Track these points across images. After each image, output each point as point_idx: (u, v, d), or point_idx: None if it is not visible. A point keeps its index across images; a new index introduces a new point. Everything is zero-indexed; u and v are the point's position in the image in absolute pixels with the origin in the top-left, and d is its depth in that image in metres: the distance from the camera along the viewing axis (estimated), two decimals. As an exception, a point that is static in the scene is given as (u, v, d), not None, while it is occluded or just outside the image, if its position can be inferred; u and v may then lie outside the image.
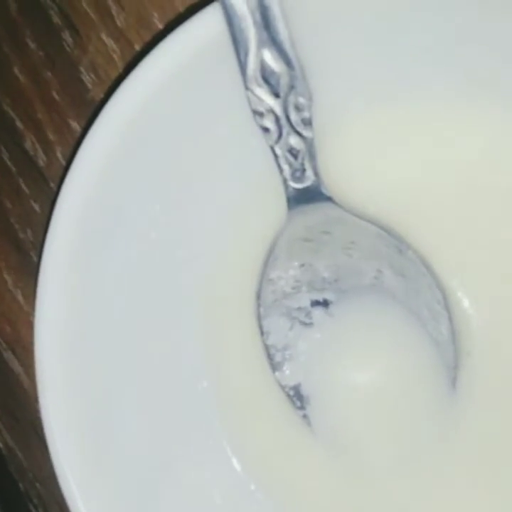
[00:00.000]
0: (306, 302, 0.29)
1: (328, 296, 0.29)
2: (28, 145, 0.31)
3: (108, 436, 0.28)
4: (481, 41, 0.26)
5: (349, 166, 0.28)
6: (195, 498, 0.29)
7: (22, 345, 0.32)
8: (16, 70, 0.31)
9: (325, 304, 0.29)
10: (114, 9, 0.31)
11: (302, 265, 0.29)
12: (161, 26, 0.31)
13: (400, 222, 0.28)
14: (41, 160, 0.31)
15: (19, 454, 0.32)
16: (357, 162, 0.28)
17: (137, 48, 0.31)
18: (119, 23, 0.31)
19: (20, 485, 0.32)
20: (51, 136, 0.31)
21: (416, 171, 0.28)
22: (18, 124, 0.31)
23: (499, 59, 0.27)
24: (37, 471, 0.32)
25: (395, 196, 0.28)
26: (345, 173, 0.28)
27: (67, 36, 0.31)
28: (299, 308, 0.29)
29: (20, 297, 0.32)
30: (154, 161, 0.28)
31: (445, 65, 0.27)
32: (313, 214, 0.28)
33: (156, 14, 0.31)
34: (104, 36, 0.31)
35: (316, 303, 0.29)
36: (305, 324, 0.29)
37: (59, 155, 0.31)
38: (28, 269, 0.31)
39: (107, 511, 0.28)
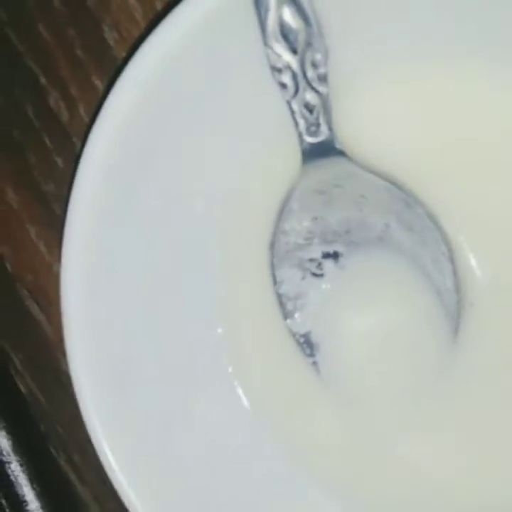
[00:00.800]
0: (317, 254, 0.30)
1: (338, 248, 0.30)
2: (51, 101, 0.32)
3: (129, 378, 0.29)
4: (503, 11, 0.27)
5: (363, 122, 0.29)
6: (208, 438, 0.30)
7: (44, 294, 0.33)
8: (40, 27, 0.32)
9: (335, 255, 0.30)
10: (136, -32, 0.31)
11: (315, 218, 0.30)
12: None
13: (410, 177, 0.29)
14: (64, 116, 0.32)
15: (41, 397, 0.33)
16: (370, 119, 0.29)
17: (159, 6, 0.31)
18: (141, -18, 0.31)
19: (42, 427, 0.33)
20: (74, 93, 0.32)
21: (428, 129, 0.29)
22: (43, 80, 0.32)
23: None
24: (58, 414, 0.33)
25: (406, 151, 0.29)
26: (358, 129, 0.29)
27: (90, -6, 0.31)
28: (311, 260, 0.30)
29: (42, 248, 0.33)
30: (174, 117, 0.28)
31: (466, 29, 0.27)
32: (327, 168, 0.28)
33: (177, -27, 0.31)
34: (126, -6, 0.31)
35: (326, 255, 0.30)
36: (316, 275, 0.30)
37: (82, 111, 0.32)
38: (51, 221, 0.32)
39: (128, 449, 0.29)
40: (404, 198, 0.29)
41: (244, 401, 0.31)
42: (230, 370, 0.30)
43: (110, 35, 0.32)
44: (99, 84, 0.32)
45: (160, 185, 0.29)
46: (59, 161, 0.32)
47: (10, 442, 0.32)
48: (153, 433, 0.29)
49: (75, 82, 0.32)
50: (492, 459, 0.30)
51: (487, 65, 0.28)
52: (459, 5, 0.27)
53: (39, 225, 0.32)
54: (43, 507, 0.32)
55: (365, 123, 0.29)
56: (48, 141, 0.32)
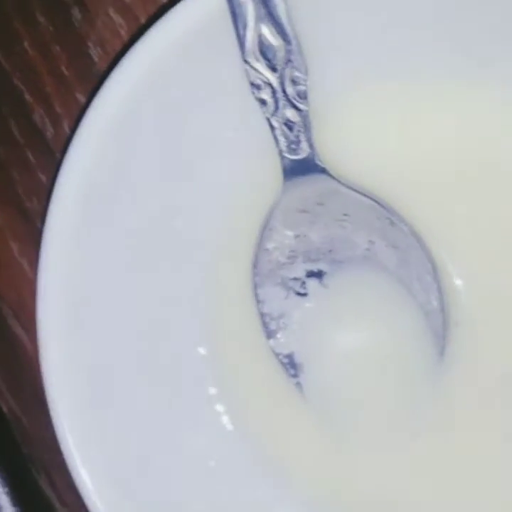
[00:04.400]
0: (301, 273, 0.30)
1: (322, 266, 0.30)
2: (36, 117, 0.32)
3: (108, 400, 0.29)
4: (479, 19, 0.27)
5: (345, 139, 0.29)
6: (190, 462, 0.30)
7: (27, 312, 0.32)
8: (25, 44, 0.32)
9: (319, 274, 0.30)
10: (121, -15, 0.31)
11: (297, 236, 0.29)
12: (166, 1, 0.31)
13: (393, 195, 0.29)
14: (49, 132, 0.32)
15: (23, 418, 0.33)
16: (353, 136, 0.29)
17: (144, 23, 0.31)
18: (126, -1, 0.31)
19: (24, 449, 0.32)
20: (59, 109, 0.32)
21: (411, 146, 0.29)
22: (27, 96, 0.32)
23: (498, 38, 0.27)
24: (40, 435, 0.32)
25: (389, 169, 0.29)
26: (341, 146, 0.29)
27: (75, 12, 0.32)
28: (294, 279, 0.30)
29: (25, 265, 0.32)
30: (153, 133, 0.28)
31: (443, 41, 0.27)
32: (308, 185, 0.28)
33: (162, -10, 0.31)
34: (111, 12, 0.31)
35: (310, 273, 0.30)
36: (300, 294, 0.30)
37: (66, 127, 0.32)
38: (34, 238, 0.32)
39: (105, 474, 0.28)
40: (387, 215, 0.28)
41: (227, 422, 0.30)
42: (212, 391, 0.30)
43: (95, 52, 0.32)
44: (84, 100, 0.32)
45: (140, 202, 0.29)
46: (43, 178, 0.32)
47: (-9, 463, 0.32)
48: (133, 455, 0.29)
49: (59, 98, 0.32)
50: (479, 482, 0.29)
51: (481, 85, 0.28)
52: (446, 26, 0.27)
53: (22, 242, 0.32)
54: (25, 529, 0.32)
55: (347, 140, 0.29)
56: (31, 158, 0.32)
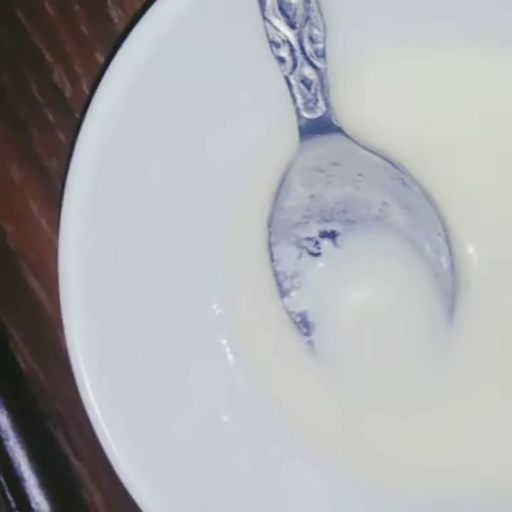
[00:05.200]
0: (315, 232, 0.30)
1: (335, 227, 0.30)
2: (55, 77, 0.32)
3: (127, 357, 0.29)
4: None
5: (362, 100, 0.29)
6: (203, 416, 0.30)
7: (45, 271, 0.33)
8: (46, 4, 0.32)
9: (332, 234, 0.30)
10: None
11: (312, 196, 0.30)
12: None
13: (408, 156, 0.29)
14: (68, 92, 0.32)
15: (40, 374, 0.33)
16: (370, 96, 0.29)
17: (164, -17, 0.31)
18: (146, -41, 0.31)
19: (40, 404, 0.33)
20: (78, 69, 0.32)
21: (429, 109, 0.29)
22: (47, 56, 0.32)
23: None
24: (57, 391, 0.33)
25: (405, 131, 0.29)
26: (358, 107, 0.29)
27: (96, -28, 0.32)
28: (308, 239, 0.30)
29: (44, 224, 0.33)
30: (173, 92, 0.29)
31: (462, 10, 0.28)
32: (324, 145, 0.28)
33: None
34: (131, -28, 0.32)
35: (324, 234, 0.30)
36: (313, 254, 0.30)
37: (85, 87, 0.32)
38: (53, 198, 0.32)
39: (125, 426, 0.29)
40: (401, 176, 0.29)
41: (240, 378, 0.31)
42: (226, 347, 0.31)
43: (115, 12, 0.32)
44: (103, 60, 0.32)
45: (158, 161, 0.29)
46: (62, 137, 0.32)
47: (8, 419, 0.32)
48: (150, 409, 0.29)
49: (79, 58, 0.32)
50: (489, 441, 0.30)
51: (491, 46, 0.28)
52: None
53: (41, 201, 0.33)
54: (39, 484, 0.32)
55: (364, 101, 0.29)
56: (51, 117, 0.33)
